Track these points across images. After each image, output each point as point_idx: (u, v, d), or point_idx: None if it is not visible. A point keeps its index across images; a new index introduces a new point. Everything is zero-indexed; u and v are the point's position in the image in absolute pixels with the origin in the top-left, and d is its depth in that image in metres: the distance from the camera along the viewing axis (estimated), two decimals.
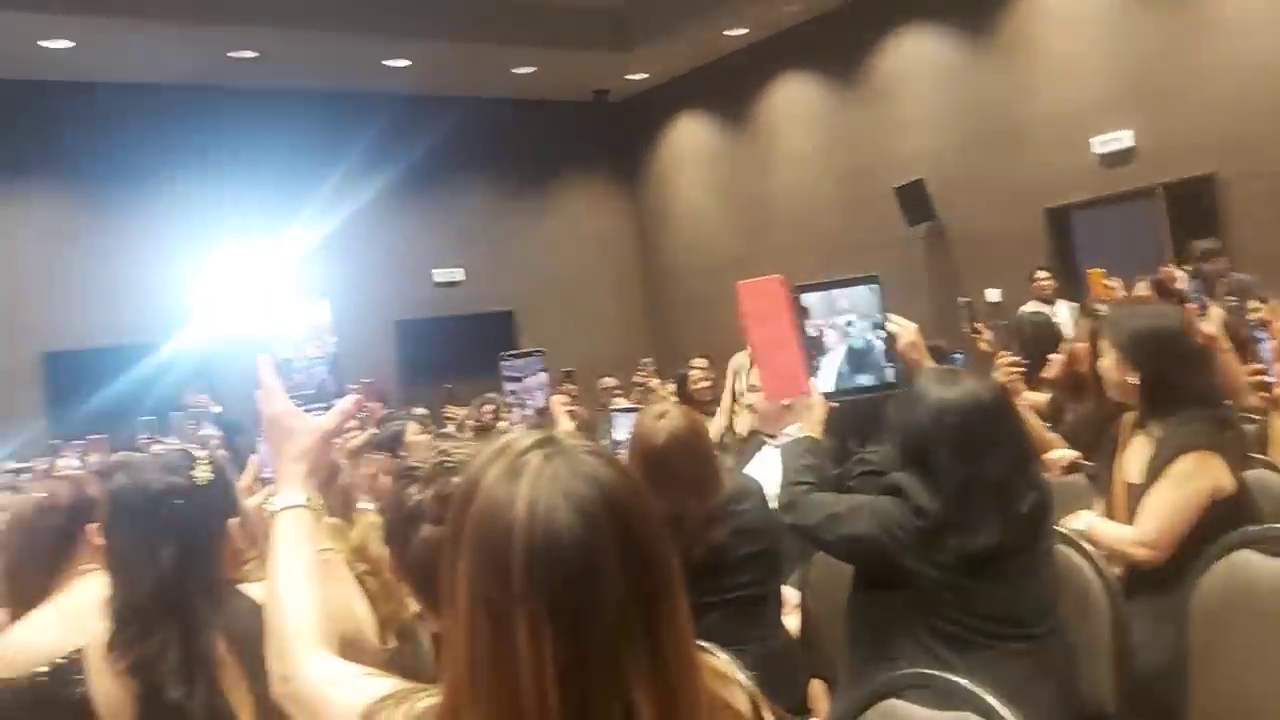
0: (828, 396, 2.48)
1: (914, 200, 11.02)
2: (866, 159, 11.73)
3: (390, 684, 1.23)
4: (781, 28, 12.15)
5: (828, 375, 2.44)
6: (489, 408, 6.66)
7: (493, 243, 13.27)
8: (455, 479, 1.59)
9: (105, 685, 2.05)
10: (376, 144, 11.66)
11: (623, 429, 3.64)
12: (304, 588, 1.41)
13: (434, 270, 12.90)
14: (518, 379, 3.59)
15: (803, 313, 2.44)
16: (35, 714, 2.21)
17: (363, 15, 10.38)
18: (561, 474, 0.98)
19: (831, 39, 11.87)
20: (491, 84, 12.64)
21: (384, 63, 11.41)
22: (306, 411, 1.53)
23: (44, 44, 9.59)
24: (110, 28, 9.44)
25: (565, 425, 2.95)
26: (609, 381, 8.61)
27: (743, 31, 12.19)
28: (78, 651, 2.09)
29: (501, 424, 6.15)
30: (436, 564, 1.53)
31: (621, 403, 6.81)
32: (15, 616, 2.44)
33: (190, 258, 10.95)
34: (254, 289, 10.75)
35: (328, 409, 1.54)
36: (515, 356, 3.58)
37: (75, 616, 2.16)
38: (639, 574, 0.96)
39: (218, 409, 8.78)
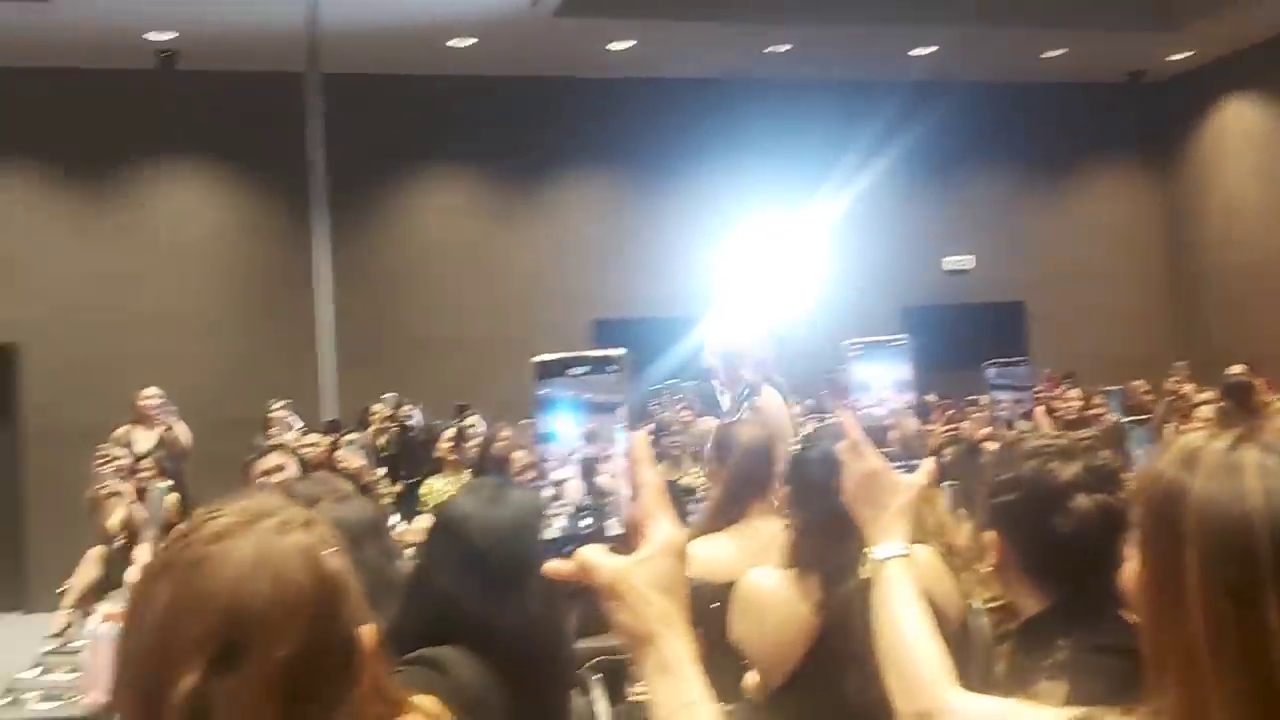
0: None
1: None
2: None
3: (1062, 713, 1.29)
4: None
5: None
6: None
7: (1006, 230, 12.94)
8: (1103, 453, 1.77)
9: (755, 624, 2.32)
10: (892, 130, 11.73)
11: (1140, 443, 3.40)
12: (924, 630, 1.53)
13: (944, 258, 12.85)
14: (1012, 388, 3.45)
15: None
16: (706, 620, 2.62)
17: (894, 4, 10.52)
18: None
19: None
20: (1017, 68, 12.30)
21: (910, 52, 11.51)
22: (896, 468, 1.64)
23: (611, 46, 10.75)
24: (668, 29, 10.37)
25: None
26: (1139, 385, 8.15)
27: None
28: (732, 585, 2.40)
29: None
30: (1090, 533, 1.67)
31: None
32: (711, 529, 3.01)
33: (717, 239, 11.78)
34: (774, 274, 11.30)
35: (910, 467, 1.65)
36: (1003, 364, 3.47)
37: (755, 548, 2.54)
38: None
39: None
